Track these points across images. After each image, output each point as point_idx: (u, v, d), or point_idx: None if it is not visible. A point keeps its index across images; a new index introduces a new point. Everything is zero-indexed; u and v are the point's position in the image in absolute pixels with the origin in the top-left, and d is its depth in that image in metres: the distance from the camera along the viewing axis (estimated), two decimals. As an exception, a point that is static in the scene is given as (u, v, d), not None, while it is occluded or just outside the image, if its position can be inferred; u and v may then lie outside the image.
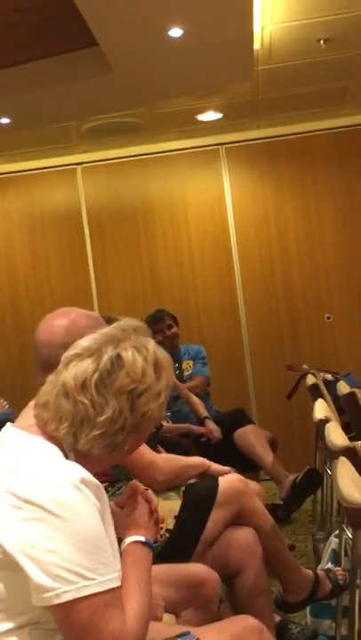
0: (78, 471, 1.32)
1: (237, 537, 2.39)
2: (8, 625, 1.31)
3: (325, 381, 4.23)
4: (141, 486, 1.63)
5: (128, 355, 1.40)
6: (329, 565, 2.81)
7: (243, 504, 2.43)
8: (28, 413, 1.46)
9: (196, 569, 2.06)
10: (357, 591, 2.09)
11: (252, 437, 4.11)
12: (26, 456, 1.36)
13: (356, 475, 2.12)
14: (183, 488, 2.46)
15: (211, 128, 5.55)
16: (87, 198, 5.95)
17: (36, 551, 1.25)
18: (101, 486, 1.36)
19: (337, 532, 2.81)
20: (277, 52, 4.19)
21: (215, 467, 2.54)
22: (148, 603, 1.40)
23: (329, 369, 4.69)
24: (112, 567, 1.31)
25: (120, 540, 1.48)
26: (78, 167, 5.95)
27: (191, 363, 4.74)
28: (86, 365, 1.39)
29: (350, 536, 2.25)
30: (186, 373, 4.70)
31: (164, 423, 3.83)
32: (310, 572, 2.62)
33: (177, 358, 4.67)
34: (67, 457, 1.38)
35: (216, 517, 2.37)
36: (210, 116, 5.29)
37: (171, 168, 5.89)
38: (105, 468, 1.93)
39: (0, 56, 3.99)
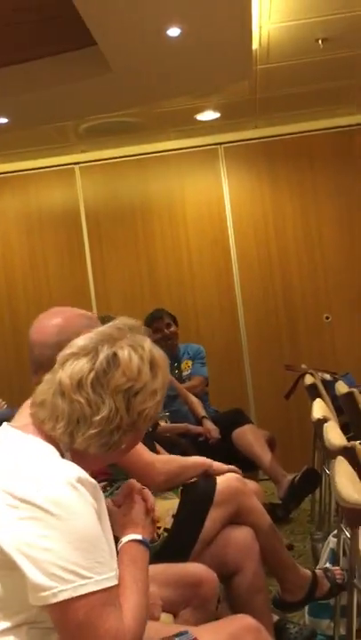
0: (75, 470, 1.32)
1: (235, 536, 2.39)
2: (5, 624, 1.31)
3: (324, 381, 4.23)
4: (138, 485, 1.63)
5: (124, 353, 1.40)
6: (327, 565, 2.81)
7: (241, 503, 2.43)
8: (24, 413, 1.46)
9: (195, 568, 2.06)
10: (356, 591, 2.09)
11: (250, 437, 4.11)
12: (22, 455, 1.36)
13: (355, 474, 2.12)
14: (181, 487, 2.45)
15: (209, 128, 5.55)
16: (85, 198, 5.95)
17: (32, 550, 1.25)
18: (98, 485, 1.36)
19: (335, 531, 2.82)
20: (276, 51, 4.19)
21: (217, 465, 2.53)
22: (145, 601, 1.40)
23: (327, 369, 4.69)
24: (109, 566, 1.31)
25: (117, 539, 1.48)
26: (76, 167, 5.94)
27: (190, 362, 4.73)
28: (82, 364, 1.39)
29: (348, 535, 2.25)
30: (185, 373, 4.68)
31: (162, 423, 3.83)
32: (308, 572, 2.61)
33: (176, 358, 4.67)
34: (63, 456, 1.38)
35: (214, 516, 2.36)
36: (208, 115, 5.28)
37: (169, 168, 5.89)
38: (102, 467, 1.93)
39: (-1, 56, 4.00)
